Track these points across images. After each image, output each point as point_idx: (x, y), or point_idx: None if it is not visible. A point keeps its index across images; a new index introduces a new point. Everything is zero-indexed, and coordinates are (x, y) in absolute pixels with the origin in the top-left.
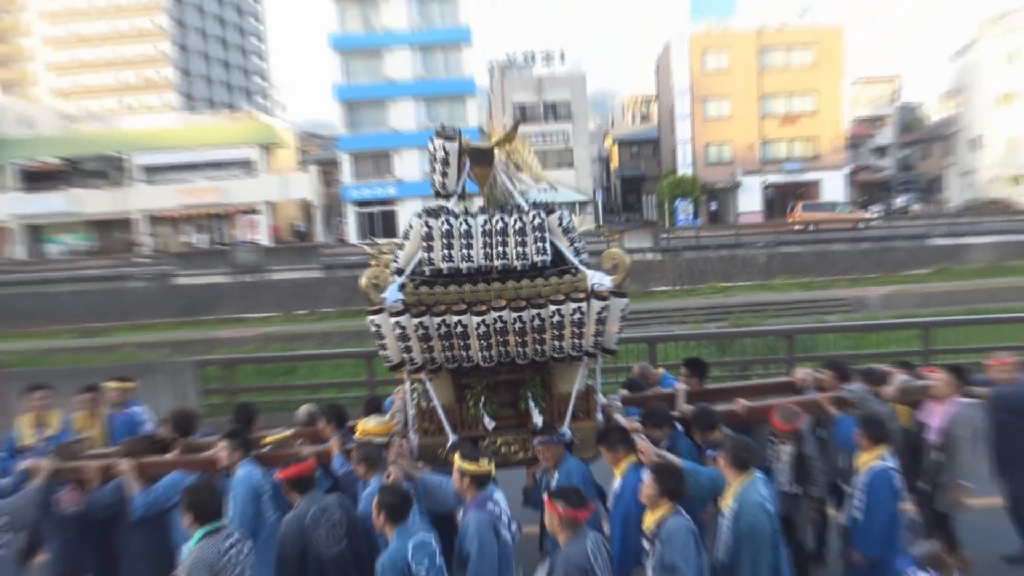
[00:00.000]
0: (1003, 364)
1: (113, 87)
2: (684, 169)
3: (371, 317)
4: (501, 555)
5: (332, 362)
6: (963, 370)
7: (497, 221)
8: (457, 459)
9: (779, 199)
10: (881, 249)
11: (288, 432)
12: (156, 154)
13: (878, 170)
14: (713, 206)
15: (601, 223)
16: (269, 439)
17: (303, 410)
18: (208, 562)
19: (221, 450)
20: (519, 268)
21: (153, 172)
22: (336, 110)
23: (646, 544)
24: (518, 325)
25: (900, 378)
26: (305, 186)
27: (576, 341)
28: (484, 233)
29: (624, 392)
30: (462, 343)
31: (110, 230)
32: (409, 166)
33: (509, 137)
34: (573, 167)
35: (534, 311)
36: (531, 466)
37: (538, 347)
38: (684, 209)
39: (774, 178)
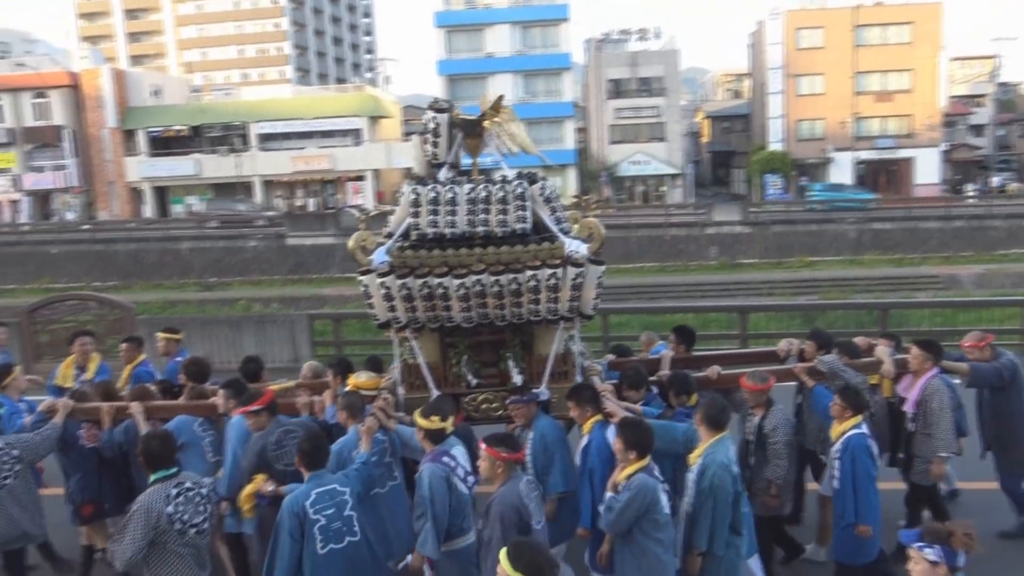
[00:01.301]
0: (976, 345)
1: (235, 61)
2: (775, 144)
3: (360, 277)
4: (457, 504)
5: None
6: (937, 345)
7: (481, 190)
8: (416, 416)
9: (871, 176)
10: (975, 227)
11: (290, 383)
12: (272, 123)
13: (974, 148)
14: (803, 181)
15: (692, 197)
16: (272, 388)
17: (307, 366)
18: (152, 508)
19: (220, 397)
20: (500, 235)
21: (269, 140)
22: (438, 83)
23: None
24: (496, 288)
25: (881, 350)
26: (408, 155)
27: (552, 305)
28: (469, 201)
29: (611, 357)
30: (443, 304)
31: (229, 192)
32: None
33: (496, 109)
34: (665, 141)
35: (511, 275)
36: (509, 423)
37: (515, 310)
38: (774, 184)
39: (866, 155)
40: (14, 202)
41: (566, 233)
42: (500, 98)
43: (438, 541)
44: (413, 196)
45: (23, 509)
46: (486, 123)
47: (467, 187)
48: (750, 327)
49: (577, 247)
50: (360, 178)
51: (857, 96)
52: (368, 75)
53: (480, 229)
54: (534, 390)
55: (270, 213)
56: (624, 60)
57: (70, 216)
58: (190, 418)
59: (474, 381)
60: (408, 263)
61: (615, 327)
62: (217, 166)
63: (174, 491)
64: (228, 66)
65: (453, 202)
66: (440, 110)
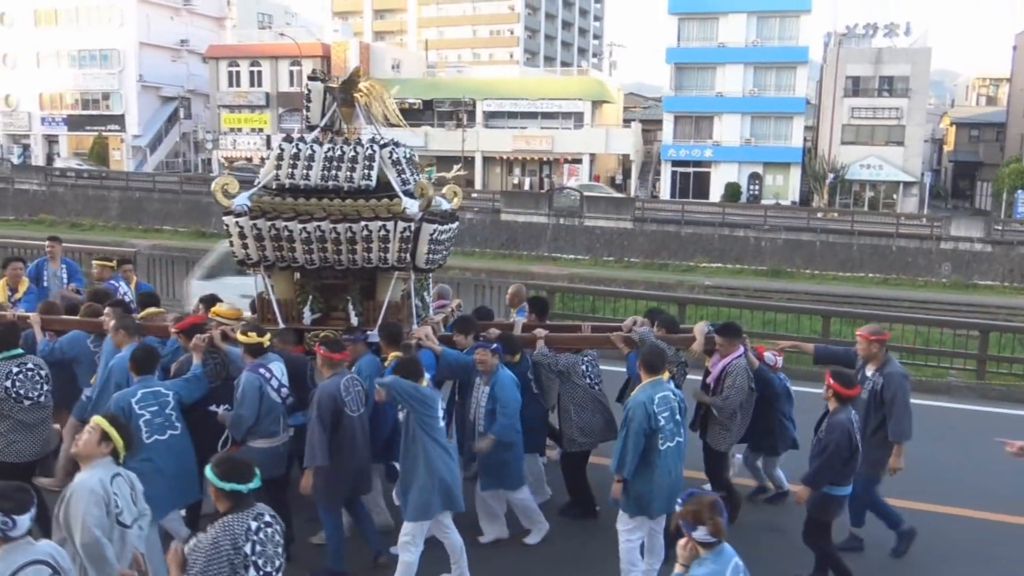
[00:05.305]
0: (865, 337)
1: (468, 40)
2: None
3: (223, 217)
4: (268, 410)
5: (634, 300)
6: (735, 328)
7: (337, 149)
8: (239, 333)
9: None
10: None
11: (161, 310)
12: (499, 101)
13: None
14: None
15: (927, 208)
16: (144, 313)
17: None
18: None
19: (107, 316)
20: (346, 189)
21: (494, 117)
22: (665, 71)
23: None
24: (334, 235)
25: (698, 327)
26: (626, 142)
27: (382, 255)
28: (325, 158)
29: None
30: (289, 246)
31: (450, 165)
32: (729, 130)
33: (354, 76)
34: (902, 145)
35: (347, 225)
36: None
37: (351, 256)
38: None
39: None
40: (264, 159)
41: (410, 195)
42: (357, 70)
43: (239, 432)
44: (279, 150)
45: None
46: (356, 95)
47: (326, 146)
48: (992, 347)
49: (410, 205)
50: (577, 161)
51: None
52: (593, 60)
53: (331, 183)
54: (366, 331)
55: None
56: (867, 56)
57: None
58: (84, 334)
59: (309, 319)
60: (263, 207)
61: (834, 332)
62: (443, 139)
63: (15, 369)
64: (462, 45)
65: (311, 158)
66: (313, 79)
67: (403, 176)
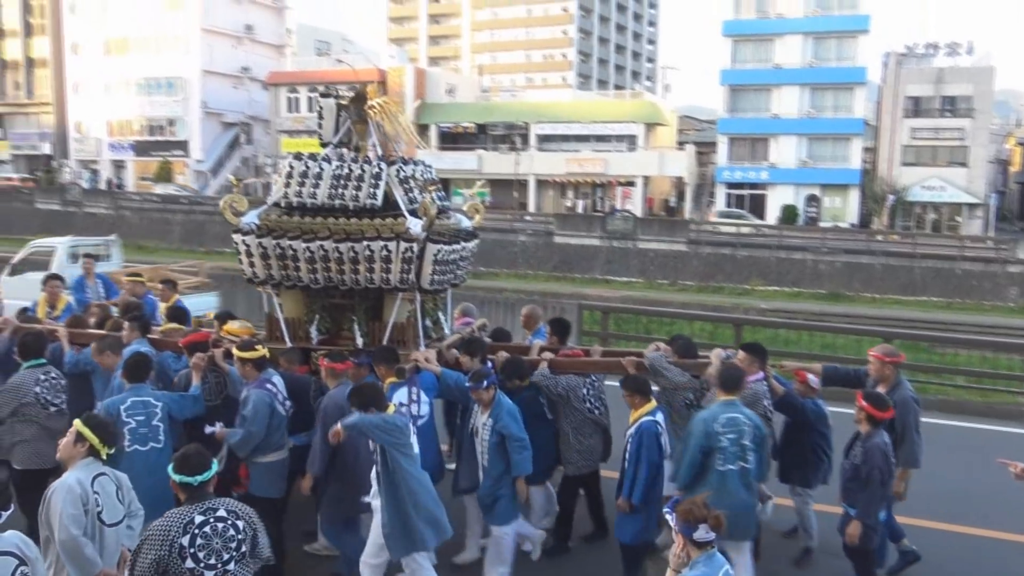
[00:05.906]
0: (879, 358)
1: (522, 65)
2: None
3: (232, 235)
4: (276, 424)
5: (689, 321)
6: (761, 349)
7: (345, 167)
8: (235, 351)
9: None
10: None
11: (182, 327)
12: (552, 124)
13: None
14: None
15: (992, 230)
16: (163, 328)
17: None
18: (21, 384)
19: (126, 330)
20: (352, 208)
21: (547, 140)
22: (720, 94)
23: None
24: (337, 255)
25: (715, 353)
26: (680, 164)
27: (384, 275)
28: (333, 176)
29: (488, 340)
30: (293, 264)
31: (504, 188)
32: (785, 152)
33: (360, 96)
34: (966, 166)
35: (350, 244)
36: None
37: (354, 276)
38: None
39: None
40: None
41: (415, 214)
42: (366, 85)
43: (246, 450)
44: (288, 168)
45: None
46: (369, 111)
47: (335, 164)
48: None
49: (414, 225)
50: (631, 183)
51: None
52: (647, 83)
53: (337, 202)
54: (371, 355)
55: None
56: (928, 76)
57: None
58: None
59: (316, 339)
60: (269, 226)
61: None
62: (497, 163)
63: (42, 376)
64: (515, 70)
65: (319, 176)
66: (325, 95)
67: (411, 195)
